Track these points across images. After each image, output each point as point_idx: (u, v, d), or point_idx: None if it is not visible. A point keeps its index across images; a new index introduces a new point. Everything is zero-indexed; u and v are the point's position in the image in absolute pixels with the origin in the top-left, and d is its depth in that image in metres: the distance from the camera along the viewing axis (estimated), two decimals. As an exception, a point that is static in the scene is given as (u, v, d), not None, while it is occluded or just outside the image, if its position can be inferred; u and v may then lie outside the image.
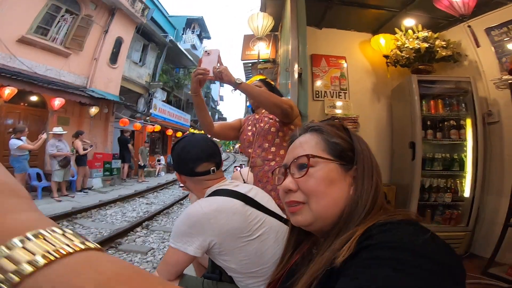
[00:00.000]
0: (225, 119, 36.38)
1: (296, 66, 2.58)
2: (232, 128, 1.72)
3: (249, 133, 1.61)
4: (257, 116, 1.64)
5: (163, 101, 13.79)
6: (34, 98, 7.03)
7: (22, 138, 5.27)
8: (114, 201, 5.80)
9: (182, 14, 18.76)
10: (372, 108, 3.37)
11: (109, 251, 3.23)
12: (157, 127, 11.90)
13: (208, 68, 1.31)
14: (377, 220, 0.48)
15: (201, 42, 21.34)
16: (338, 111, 3.24)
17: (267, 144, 1.52)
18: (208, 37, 23.26)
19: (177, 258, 0.99)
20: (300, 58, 2.62)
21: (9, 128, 6.08)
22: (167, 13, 15.82)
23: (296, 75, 2.55)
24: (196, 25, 20.05)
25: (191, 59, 15.74)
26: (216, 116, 31.26)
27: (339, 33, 3.40)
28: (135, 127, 10.44)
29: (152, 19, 11.95)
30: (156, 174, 11.42)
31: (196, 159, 1.09)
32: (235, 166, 1.56)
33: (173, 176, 11.48)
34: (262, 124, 1.56)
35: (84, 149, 6.65)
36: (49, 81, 6.95)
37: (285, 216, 1.09)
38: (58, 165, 5.78)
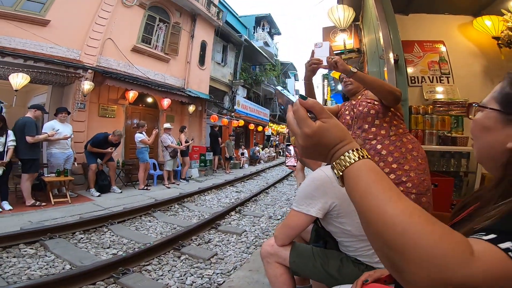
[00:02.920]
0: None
1: (391, 53, 2.58)
2: (332, 112, 1.86)
3: (347, 117, 1.76)
4: (353, 102, 1.77)
5: (244, 97, 14.69)
6: (149, 100, 8.48)
7: (143, 132, 6.52)
8: (210, 189, 6.61)
9: (250, 13, 19.25)
10: (485, 92, 2.93)
11: (211, 231, 3.75)
12: (241, 122, 12.82)
13: (321, 58, 1.48)
14: None
15: (272, 39, 21.43)
16: (440, 96, 3.11)
17: (367, 126, 1.66)
18: (278, 33, 23.07)
19: (299, 220, 1.15)
20: (393, 46, 2.64)
21: (133, 125, 7.63)
22: (237, 14, 16.60)
23: (392, 62, 2.55)
24: (265, 22, 20.37)
25: (266, 56, 16.24)
26: (294, 110, 31.06)
27: (430, 18, 3.33)
28: (223, 122, 11.53)
29: (226, 21, 12.74)
30: (241, 166, 12.32)
31: None
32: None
33: (256, 168, 12.19)
34: (360, 108, 1.68)
35: (186, 142, 7.75)
36: (158, 84, 8.28)
37: None
38: (169, 155, 6.94)
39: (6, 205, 4.14)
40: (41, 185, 4.87)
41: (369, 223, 0.41)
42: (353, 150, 0.46)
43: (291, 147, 1.68)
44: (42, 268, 2.46)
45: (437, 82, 3.15)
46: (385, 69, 2.54)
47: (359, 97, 1.76)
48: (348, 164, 0.46)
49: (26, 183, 4.42)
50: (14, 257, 2.64)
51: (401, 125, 1.67)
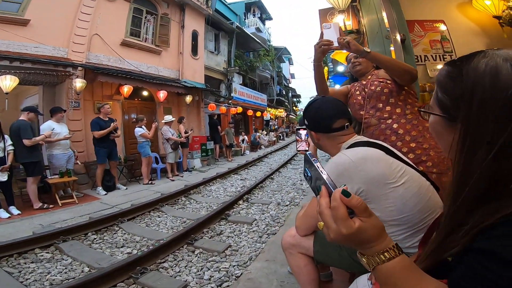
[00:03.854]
0: (299, 96, 35.82)
1: (397, 34, 2.59)
2: (342, 94, 1.88)
3: (359, 97, 1.74)
4: (364, 82, 1.76)
5: (240, 84, 14.55)
6: (145, 93, 8.33)
7: (142, 126, 6.43)
8: (214, 178, 6.61)
9: (239, 0, 18.66)
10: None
11: (221, 222, 3.76)
12: (239, 109, 12.73)
13: (331, 39, 1.45)
14: (503, 212, 0.42)
15: (264, 24, 21.26)
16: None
17: (381, 105, 1.63)
18: (270, 18, 23.01)
19: None
20: (398, 25, 2.67)
21: (132, 120, 7.52)
22: (226, 1, 16.21)
23: (399, 41, 2.57)
24: (255, 8, 20.08)
25: (259, 41, 16.12)
26: (290, 94, 31.01)
27: (428, -2, 3.30)
28: (221, 111, 11.45)
29: (216, 9, 12.44)
30: (242, 153, 12.32)
31: (332, 116, 1.18)
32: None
33: (257, 154, 12.19)
34: (373, 88, 1.67)
35: (186, 132, 7.68)
36: (152, 77, 8.13)
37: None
38: (170, 148, 6.89)
39: (14, 210, 4.13)
40: (46, 187, 4.85)
41: None
42: (387, 250, 0.48)
43: (301, 131, 1.56)
44: (61, 272, 2.48)
45: (440, 60, 3.15)
46: (392, 49, 2.50)
47: (369, 77, 1.75)
48: (381, 263, 0.48)
49: (32, 186, 4.40)
50: (32, 262, 2.66)
51: (416, 103, 1.65)
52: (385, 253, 0.48)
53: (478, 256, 0.42)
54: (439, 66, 3.15)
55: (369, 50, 1.47)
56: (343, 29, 4.72)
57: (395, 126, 1.58)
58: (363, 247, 0.50)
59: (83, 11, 6.64)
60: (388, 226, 1.03)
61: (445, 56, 3.18)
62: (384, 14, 2.66)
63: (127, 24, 7.89)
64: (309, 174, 0.59)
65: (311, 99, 1.35)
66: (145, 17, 8.45)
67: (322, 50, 1.50)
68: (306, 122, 1.29)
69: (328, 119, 1.18)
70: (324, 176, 0.52)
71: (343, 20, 4.72)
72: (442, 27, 3.20)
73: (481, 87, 0.44)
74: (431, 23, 3.23)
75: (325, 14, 5.18)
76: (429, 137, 1.54)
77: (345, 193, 0.48)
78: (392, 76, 1.58)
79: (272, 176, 6.87)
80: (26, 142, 4.29)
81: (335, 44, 1.46)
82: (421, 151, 1.51)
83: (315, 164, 0.55)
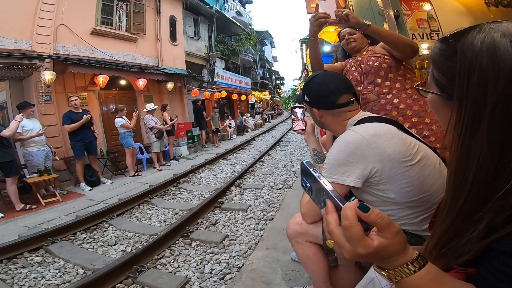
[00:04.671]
0: (282, 78, 35.56)
1: (391, 10, 2.62)
2: (337, 70, 1.83)
3: (355, 73, 1.69)
4: (359, 58, 1.72)
5: (222, 68, 14.27)
6: (122, 82, 7.93)
7: (123, 116, 6.13)
8: (203, 165, 6.49)
9: None
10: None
11: (215, 211, 3.68)
12: (223, 93, 12.48)
13: (328, 12, 1.39)
14: None
15: (245, 8, 21.01)
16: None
17: (380, 80, 1.60)
18: (250, 1, 22.82)
19: None
20: (391, 3, 2.70)
21: (111, 111, 7.16)
22: None
23: (393, 18, 2.58)
24: None
25: (240, 25, 15.81)
26: (273, 77, 30.72)
27: (414, -23, 3.28)
28: (205, 96, 11.15)
29: None
30: (229, 137, 12.18)
31: (337, 91, 1.10)
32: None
33: (245, 137, 12.09)
34: (370, 63, 1.63)
35: (171, 120, 7.43)
36: (129, 65, 7.75)
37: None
38: (154, 137, 6.65)
39: (-4, 213, 3.91)
40: (26, 187, 4.58)
41: None
42: (412, 262, 0.44)
43: (297, 109, 1.44)
44: (56, 276, 2.36)
45: (427, 38, 3.18)
46: (386, 26, 2.46)
47: (364, 53, 1.71)
48: (407, 276, 0.44)
49: (12, 187, 4.16)
50: (23, 267, 2.53)
51: (414, 78, 1.62)
52: (410, 266, 0.44)
53: (504, 258, 0.41)
54: (426, 45, 3.10)
55: (369, 23, 1.41)
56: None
57: (395, 101, 1.55)
58: (383, 262, 0.46)
59: (45, 1, 6.14)
60: (404, 208, 0.97)
61: (432, 35, 3.19)
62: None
63: (97, 13, 7.38)
64: (308, 185, 0.53)
65: (311, 74, 1.25)
66: (117, 5, 7.93)
67: (318, 24, 1.42)
68: (306, 98, 1.19)
69: (332, 94, 1.10)
70: (329, 189, 0.47)
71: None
72: (428, 7, 3.19)
73: (478, 67, 0.41)
74: (418, 2, 3.22)
75: (312, -6, 5.00)
76: (430, 111, 1.52)
77: (363, 207, 0.42)
78: (394, 49, 1.52)
79: (262, 159, 6.82)
80: (4, 132, 4.09)
81: (333, 17, 1.39)
82: (423, 125, 1.49)
83: (315, 175, 0.49)
